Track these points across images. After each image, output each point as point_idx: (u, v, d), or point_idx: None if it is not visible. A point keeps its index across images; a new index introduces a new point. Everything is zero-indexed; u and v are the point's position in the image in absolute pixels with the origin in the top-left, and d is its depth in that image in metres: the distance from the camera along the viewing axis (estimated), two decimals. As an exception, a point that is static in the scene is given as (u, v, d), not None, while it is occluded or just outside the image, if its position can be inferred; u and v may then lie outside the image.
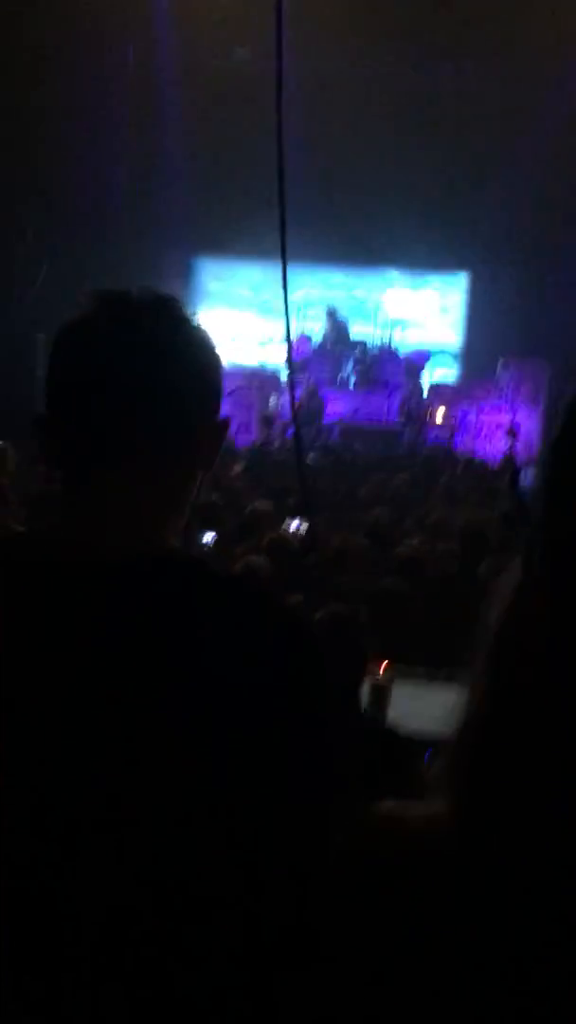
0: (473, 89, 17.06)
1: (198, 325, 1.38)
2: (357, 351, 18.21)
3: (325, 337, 18.15)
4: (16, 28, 14.54)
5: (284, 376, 15.94)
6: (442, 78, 17.23)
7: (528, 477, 8.64)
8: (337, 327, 18.28)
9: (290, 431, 14.80)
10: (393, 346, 18.65)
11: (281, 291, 4.63)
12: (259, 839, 1.19)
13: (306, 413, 15.13)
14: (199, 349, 1.36)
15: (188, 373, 1.34)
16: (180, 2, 15.55)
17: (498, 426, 16.45)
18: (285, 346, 5.47)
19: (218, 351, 1.40)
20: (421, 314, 20.07)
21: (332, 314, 18.33)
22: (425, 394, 17.38)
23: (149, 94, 16.94)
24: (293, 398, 5.44)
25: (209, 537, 6.34)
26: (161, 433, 1.31)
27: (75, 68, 15.64)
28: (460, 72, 17.02)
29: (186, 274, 18.87)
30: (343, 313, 18.56)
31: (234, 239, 17.23)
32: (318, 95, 15.82)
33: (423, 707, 3.87)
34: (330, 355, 18.05)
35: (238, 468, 11.23)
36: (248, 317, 18.60)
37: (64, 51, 15.25)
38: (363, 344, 18.43)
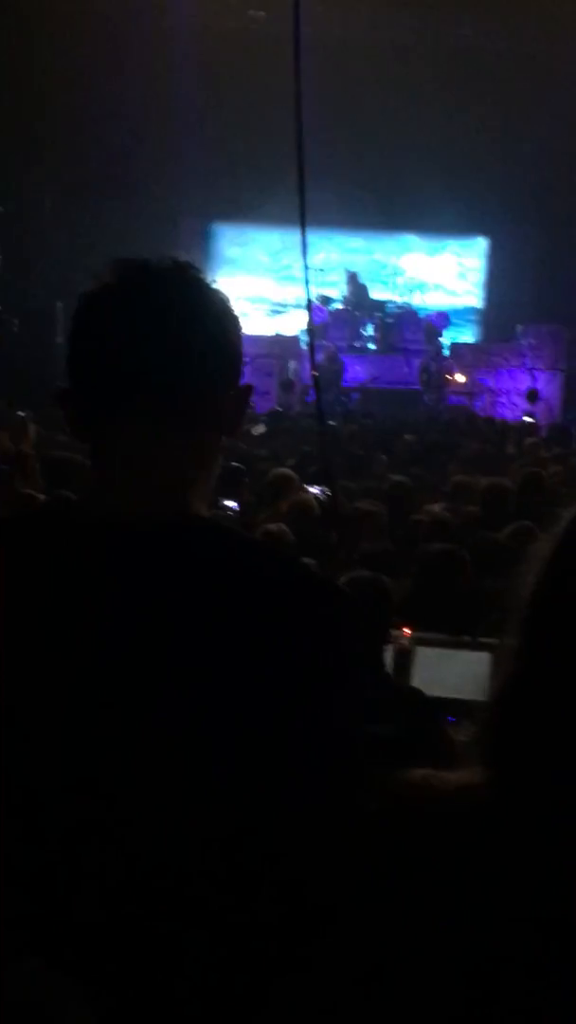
0: (492, 54, 16.85)
1: (217, 291, 1.37)
2: (377, 315, 18.13)
3: (346, 301, 18.08)
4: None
5: (303, 341, 15.88)
6: (461, 42, 17.01)
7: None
8: (358, 291, 18.20)
9: (310, 396, 14.77)
10: (412, 309, 18.55)
11: (300, 256, 4.60)
12: (292, 802, 1.19)
13: (325, 378, 15.09)
14: (219, 314, 1.35)
15: (208, 338, 1.33)
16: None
17: (517, 390, 16.38)
18: (304, 312, 5.44)
19: (237, 316, 1.39)
20: (440, 277, 19.94)
21: (353, 278, 18.24)
22: (445, 356, 17.29)
23: (164, 60, 16.79)
24: (313, 363, 5.42)
25: (232, 503, 6.34)
26: (184, 398, 1.31)
27: (91, 34, 15.53)
28: (479, 36, 16.78)
29: (204, 240, 18.78)
30: (363, 277, 18.47)
31: (251, 205, 17.13)
32: (337, 59, 15.64)
33: (446, 672, 3.88)
34: (349, 319, 17.98)
35: (259, 430, 11.21)
36: (266, 283, 18.52)
37: (79, 17, 15.13)
38: (382, 307, 18.34)
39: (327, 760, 1.21)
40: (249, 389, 1.41)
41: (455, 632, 4.12)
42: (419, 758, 1.03)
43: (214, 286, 1.37)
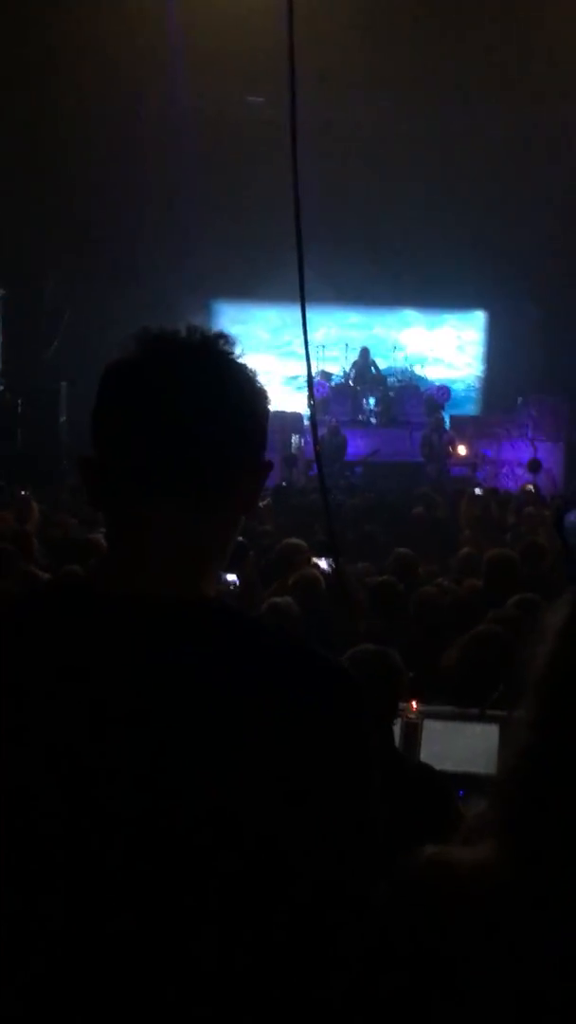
0: (488, 132, 17.20)
1: (244, 366, 1.35)
2: (378, 389, 18.29)
3: (355, 373, 18.27)
4: (36, 79, 14.79)
5: (305, 416, 15.99)
6: (457, 122, 17.38)
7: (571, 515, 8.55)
8: (368, 365, 18.43)
9: (313, 470, 14.82)
10: (413, 383, 18.71)
11: (300, 332, 4.65)
12: (304, 889, 1.17)
13: (328, 452, 15.15)
14: (243, 390, 1.34)
15: (232, 417, 1.32)
16: (195, 51, 15.76)
17: (519, 461, 16.43)
18: (306, 387, 5.48)
19: (264, 391, 1.37)
20: (440, 351, 20.13)
21: (365, 353, 18.47)
22: (447, 429, 17.39)
23: (167, 141, 17.16)
24: (316, 438, 5.45)
25: (232, 577, 6.32)
26: (206, 476, 1.30)
27: (94, 117, 15.89)
28: (475, 115, 17.16)
29: (205, 318, 19.01)
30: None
31: (251, 283, 17.37)
32: (334, 140, 16.00)
33: (454, 746, 3.83)
34: (351, 394, 18.13)
35: (264, 503, 11.22)
36: (268, 360, 18.71)
37: (83, 101, 15.50)
38: (384, 381, 18.50)
39: (340, 845, 1.19)
40: (269, 465, 1.39)
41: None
42: (431, 835, 1.01)
43: (241, 360, 1.36)
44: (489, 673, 4.25)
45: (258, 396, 1.36)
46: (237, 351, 1.36)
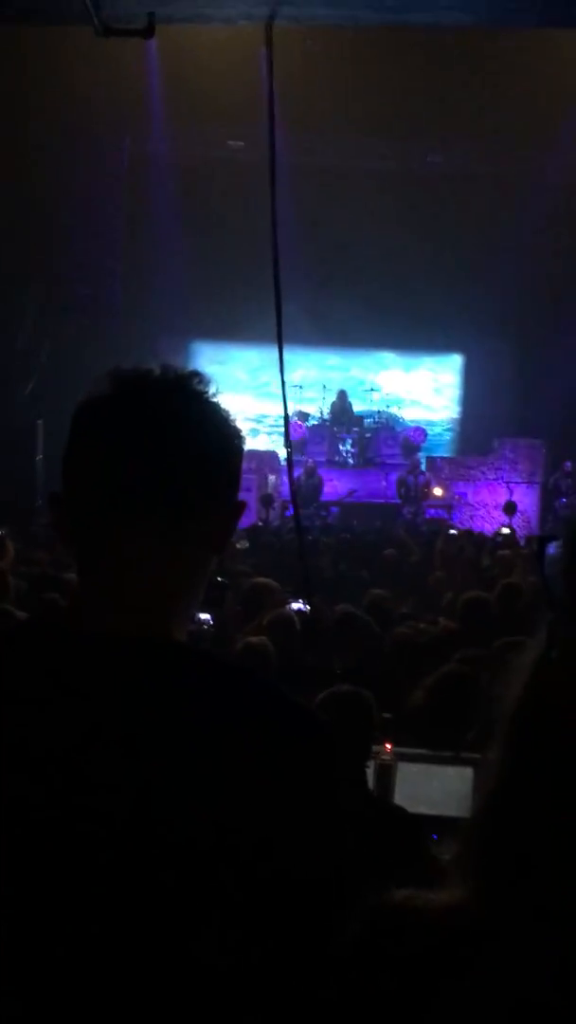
0: (462, 178, 17.44)
1: (217, 405, 1.35)
2: (355, 430, 18.38)
3: (332, 415, 18.37)
4: (16, 122, 14.90)
5: (282, 457, 16.03)
6: (432, 166, 17.63)
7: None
8: (344, 407, 18.53)
9: (289, 510, 14.84)
10: (390, 424, 18.82)
11: (278, 373, 4.68)
12: (272, 931, 1.16)
13: (304, 493, 15.19)
14: (215, 428, 1.33)
15: (201, 451, 1.31)
16: (175, 95, 15.95)
17: (495, 503, 16.52)
18: (283, 427, 5.51)
19: (239, 430, 1.37)
20: (417, 393, 20.27)
21: (342, 395, 18.59)
22: (422, 470, 17.48)
23: (146, 183, 17.29)
24: (292, 478, 5.47)
25: (207, 616, 6.30)
26: (170, 510, 1.29)
27: (74, 160, 16.02)
28: (450, 161, 17.40)
29: (183, 358, 19.07)
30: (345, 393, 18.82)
31: (230, 324, 17.46)
32: (313, 183, 16.17)
33: (429, 788, 3.82)
34: (328, 435, 18.22)
35: (242, 545, 11.22)
36: (245, 400, 18.78)
37: (64, 143, 15.63)
38: (360, 422, 18.60)
39: (308, 886, 1.18)
40: (242, 505, 1.38)
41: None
42: (402, 878, 1.00)
43: (215, 399, 1.35)
44: (454, 714, 4.25)
45: (230, 435, 1.36)
46: (211, 390, 1.35)
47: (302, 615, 6.28)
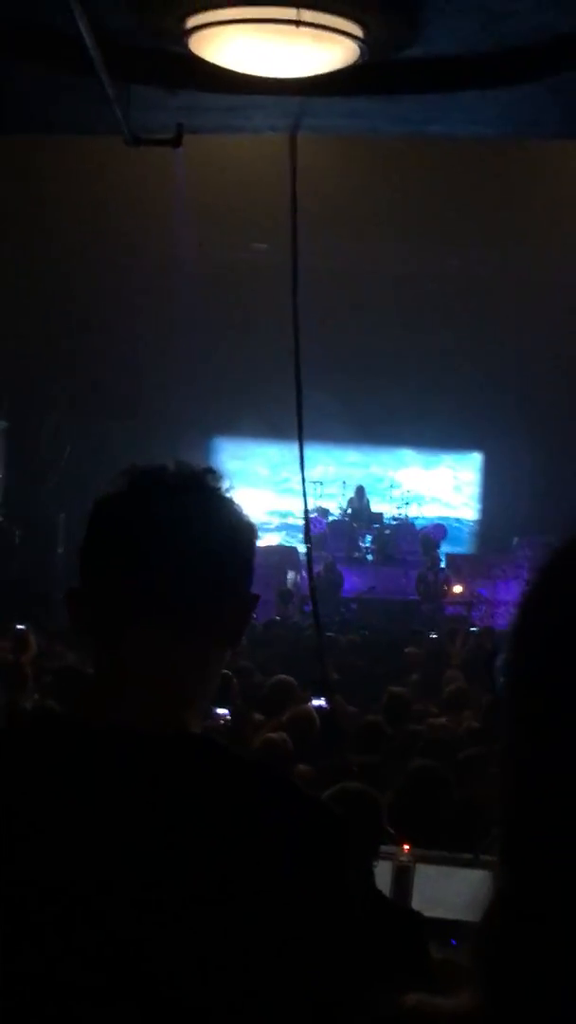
0: (479, 275, 17.75)
1: (230, 501, 1.38)
2: (374, 527, 18.41)
3: (351, 512, 18.43)
4: (46, 226, 15.31)
5: (301, 553, 16.04)
6: (450, 266, 17.94)
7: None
8: (363, 504, 18.59)
9: (308, 606, 14.80)
10: (409, 521, 18.84)
11: (298, 470, 4.72)
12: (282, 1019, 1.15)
13: (323, 589, 15.16)
14: (226, 524, 1.36)
15: (212, 547, 1.34)
16: (202, 201, 16.35)
17: (515, 601, 16.40)
18: (303, 523, 5.54)
19: (252, 525, 1.40)
20: (436, 490, 20.33)
21: (360, 491, 18.67)
22: (442, 567, 17.42)
23: (171, 282, 17.65)
24: (311, 574, 5.48)
25: (223, 711, 6.28)
26: (181, 605, 1.31)
27: (101, 262, 16.39)
28: (471, 259, 17.72)
29: (205, 454, 19.24)
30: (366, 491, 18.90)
31: (251, 421, 17.65)
32: (334, 284, 16.48)
33: (447, 891, 3.74)
34: (347, 531, 18.24)
35: (244, 642, 11.12)
36: (266, 495, 18.88)
37: (90, 246, 16.02)
38: (380, 519, 18.64)
39: (316, 986, 1.17)
40: (255, 599, 1.40)
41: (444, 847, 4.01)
42: (412, 982, 0.99)
43: (228, 494, 1.38)
44: (425, 810, 4.23)
45: (242, 530, 1.38)
46: (224, 485, 1.39)
47: (321, 712, 6.25)
